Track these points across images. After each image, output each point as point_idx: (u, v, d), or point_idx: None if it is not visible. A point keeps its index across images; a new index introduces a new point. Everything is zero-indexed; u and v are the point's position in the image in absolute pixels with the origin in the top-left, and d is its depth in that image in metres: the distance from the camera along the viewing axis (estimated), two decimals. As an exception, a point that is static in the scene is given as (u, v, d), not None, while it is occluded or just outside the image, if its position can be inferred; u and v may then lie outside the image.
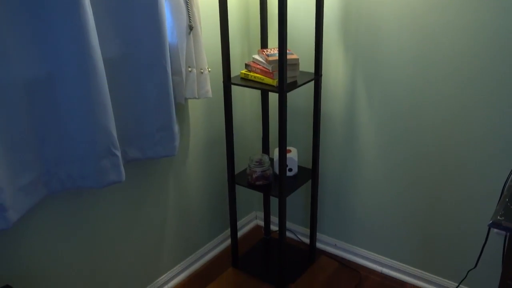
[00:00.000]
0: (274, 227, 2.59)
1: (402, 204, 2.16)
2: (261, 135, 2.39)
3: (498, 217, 1.21)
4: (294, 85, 1.96)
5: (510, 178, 1.49)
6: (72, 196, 1.71)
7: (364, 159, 2.21)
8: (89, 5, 1.45)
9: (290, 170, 2.21)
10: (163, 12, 1.70)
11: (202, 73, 1.94)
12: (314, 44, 2.02)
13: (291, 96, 2.19)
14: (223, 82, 2.02)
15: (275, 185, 2.16)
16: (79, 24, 1.42)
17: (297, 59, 1.96)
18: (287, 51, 1.84)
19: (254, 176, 2.15)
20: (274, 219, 2.52)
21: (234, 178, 2.21)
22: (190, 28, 1.83)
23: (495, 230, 1.78)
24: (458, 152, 1.94)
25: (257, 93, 2.37)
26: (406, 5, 1.87)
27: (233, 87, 2.06)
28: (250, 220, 2.71)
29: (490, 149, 1.86)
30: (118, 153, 1.64)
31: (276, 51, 1.96)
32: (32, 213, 1.58)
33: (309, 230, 2.40)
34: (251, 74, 2.01)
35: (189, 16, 1.82)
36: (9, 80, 1.40)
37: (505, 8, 1.68)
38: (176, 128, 1.88)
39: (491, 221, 1.21)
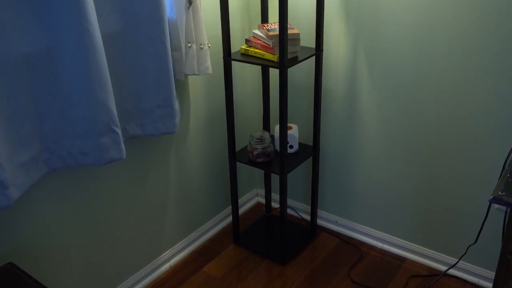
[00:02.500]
0: (275, 204, 2.59)
1: (403, 180, 2.16)
2: (262, 111, 2.38)
3: (499, 192, 1.20)
4: (295, 61, 1.93)
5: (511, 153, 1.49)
6: (73, 173, 1.71)
7: (365, 135, 2.20)
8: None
9: (291, 147, 2.21)
10: (162, -14, 1.67)
11: (202, 48, 1.92)
12: (315, 18, 1.99)
13: (292, 71, 2.16)
14: (223, 58, 2.00)
15: (276, 162, 2.16)
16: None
17: (298, 34, 1.93)
18: (288, 25, 1.82)
19: (255, 153, 2.14)
20: (275, 196, 2.52)
21: (235, 155, 2.21)
22: (190, 2, 1.80)
23: (496, 205, 1.78)
24: (460, 126, 1.92)
25: (257, 69, 2.35)
26: (409, -22, 1.84)
27: (233, 63, 2.04)
28: (251, 197, 2.72)
29: (492, 123, 1.85)
30: (118, 130, 1.64)
31: (276, 26, 1.93)
32: (33, 190, 1.58)
33: (310, 207, 2.41)
34: (252, 49, 1.98)
35: (188, -10, 1.79)
36: (8, 55, 1.38)
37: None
38: (176, 104, 1.87)
39: (492, 197, 1.20)
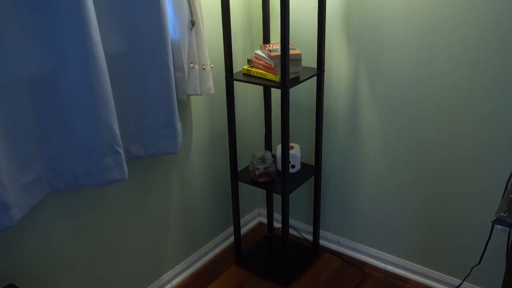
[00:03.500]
0: (277, 224, 2.58)
1: (405, 200, 2.15)
2: (264, 131, 2.38)
3: (502, 213, 1.20)
4: (297, 81, 1.95)
5: (515, 174, 1.48)
6: (74, 192, 1.71)
7: (367, 155, 2.20)
8: (91, 1, 1.44)
9: (293, 166, 2.20)
10: (165, 7, 1.69)
11: (204, 69, 1.94)
12: (316, 39, 2.01)
13: (293, 91, 2.18)
14: (226, 78, 2.02)
15: (278, 182, 2.15)
16: (82, 20, 1.42)
17: (300, 54, 1.95)
18: (290, 46, 1.83)
19: (257, 173, 2.14)
20: (277, 216, 2.51)
21: (237, 175, 2.21)
22: (192, 23, 1.82)
23: (499, 226, 1.77)
24: (461, 146, 1.92)
25: (259, 89, 2.36)
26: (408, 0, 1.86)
27: (236, 83, 2.06)
28: (253, 217, 2.71)
29: (494, 143, 1.85)
30: (121, 151, 1.64)
31: (278, 46, 1.95)
32: (35, 209, 1.57)
33: (312, 227, 2.40)
34: (254, 69, 2.00)
35: (191, 12, 1.81)
36: (13, 76, 1.40)
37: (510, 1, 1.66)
38: (178, 124, 1.88)
39: (494, 218, 1.20)
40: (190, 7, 1.80)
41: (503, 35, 1.71)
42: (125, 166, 1.68)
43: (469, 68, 1.82)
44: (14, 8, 1.36)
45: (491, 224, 1.62)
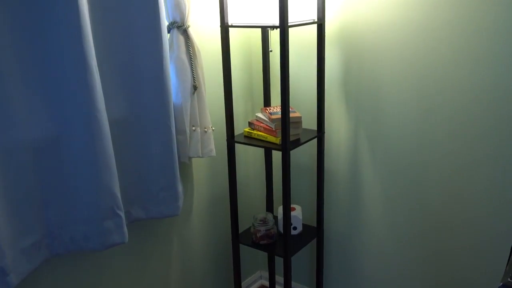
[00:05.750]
0: (279, 287, 2.53)
1: (408, 262, 2.12)
2: (265, 192, 2.38)
3: (509, 279, 1.18)
4: (297, 143, 1.97)
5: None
6: (73, 256, 1.69)
7: (369, 216, 2.18)
8: (96, 67, 1.48)
9: (295, 228, 2.19)
10: (169, 73, 1.74)
11: (206, 132, 1.96)
12: (316, 102, 2.05)
13: (294, 153, 2.19)
14: (227, 140, 2.04)
15: (280, 244, 2.13)
16: (86, 86, 1.45)
17: (300, 117, 1.98)
18: (290, 109, 1.87)
19: (258, 235, 2.12)
20: (279, 278, 2.46)
21: (238, 238, 2.18)
22: (195, 88, 1.87)
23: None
24: (463, 206, 1.92)
25: (260, 151, 2.38)
26: (407, 66, 1.91)
27: (237, 145, 2.08)
28: (255, 280, 2.65)
29: (495, 203, 1.84)
30: (122, 214, 1.63)
31: (279, 109, 1.98)
32: (33, 275, 1.55)
33: (315, 290, 2.35)
34: (255, 132, 2.02)
35: (194, 77, 1.86)
36: (17, 141, 1.42)
37: (507, 68, 1.71)
38: (180, 187, 1.88)
39: (501, 284, 1.17)
40: (193, 72, 1.85)
41: (502, 99, 1.74)
42: (125, 229, 1.67)
43: (467, 133, 1.84)
44: (20, 74, 1.40)
45: (495, 282, 1.59)
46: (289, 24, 1.73)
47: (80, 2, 1.40)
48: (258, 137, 2.01)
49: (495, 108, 1.76)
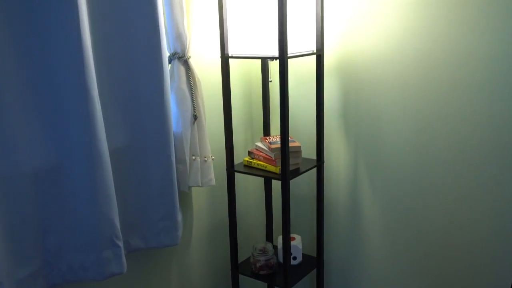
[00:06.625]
0: (279, 318, 2.49)
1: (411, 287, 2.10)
2: (265, 221, 2.37)
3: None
4: (297, 172, 1.97)
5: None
6: (71, 287, 1.67)
7: (370, 245, 2.17)
8: (97, 97, 1.50)
9: (295, 258, 2.17)
10: (169, 103, 1.75)
11: (205, 161, 1.97)
12: (315, 131, 2.06)
13: (294, 182, 2.19)
14: (227, 169, 2.04)
15: (280, 274, 2.11)
16: (88, 116, 1.46)
17: (299, 147, 1.99)
18: (289, 138, 1.88)
19: (258, 265, 2.10)
20: (279, 309, 2.43)
21: (237, 268, 2.16)
22: (195, 117, 1.88)
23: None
24: (462, 232, 1.92)
25: (260, 180, 2.38)
26: (405, 96, 1.93)
27: (237, 174, 2.08)
28: (254, 311, 2.62)
29: (494, 231, 1.85)
30: (121, 244, 1.62)
31: (278, 139, 1.99)
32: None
33: (315, 322, 2.31)
34: (254, 161, 2.03)
35: (194, 106, 1.87)
36: (17, 169, 1.42)
37: (504, 101, 1.73)
38: (179, 217, 1.87)
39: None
40: (193, 102, 1.87)
41: (500, 128, 1.76)
42: (124, 259, 1.65)
43: (466, 162, 1.85)
44: (21, 102, 1.41)
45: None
46: (288, 55, 1.75)
47: (82, 32, 1.42)
48: (257, 167, 2.02)
49: (493, 137, 1.78)
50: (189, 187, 1.99)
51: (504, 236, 1.83)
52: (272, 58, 1.83)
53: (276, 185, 2.23)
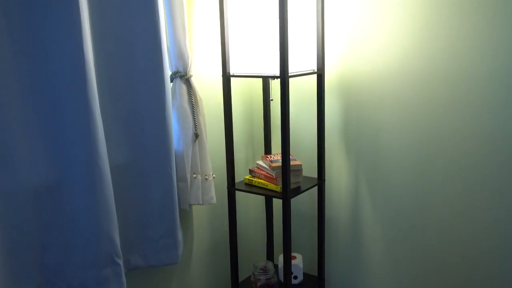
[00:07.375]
0: None
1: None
2: (265, 240, 2.36)
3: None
4: (298, 191, 1.97)
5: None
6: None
7: (371, 261, 2.16)
8: (99, 115, 1.51)
9: (296, 277, 2.15)
10: (171, 121, 1.76)
11: (206, 179, 1.97)
12: (316, 150, 2.06)
13: (295, 201, 2.19)
14: (227, 187, 2.04)
15: (280, 293, 2.09)
16: (89, 133, 1.47)
17: (300, 165, 1.99)
18: (290, 157, 1.88)
19: (258, 284, 2.09)
20: (280, 330, 2.40)
21: (238, 287, 2.15)
22: (196, 136, 1.89)
23: None
24: (463, 249, 1.92)
25: (261, 198, 2.38)
26: (406, 114, 1.94)
27: (238, 192, 2.08)
28: (255, 331, 2.58)
29: (495, 247, 1.84)
30: (121, 262, 1.62)
31: (279, 157, 2.00)
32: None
33: None
34: (255, 179, 2.03)
35: (195, 125, 1.88)
36: (18, 185, 1.42)
37: (505, 117, 1.74)
38: (180, 235, 1.87)
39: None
40: (194, 120, 1.88)
41: (501, 145, 1.76)
42: (124, 278, 1.64)
43: (467, 179, 1.86)
44: (23, 119, 1.42)
45: None
46: (289, 74, 1.77)
47: (85, 51, 1.44)
48: (258, 185, 2.02)
49: (494, 154, 1.78)
50: (190, 205, 1.98)
51: (506, 253, 1.82)
52: (273, 77, 1.84)
53: (277, 203, 2.22)
